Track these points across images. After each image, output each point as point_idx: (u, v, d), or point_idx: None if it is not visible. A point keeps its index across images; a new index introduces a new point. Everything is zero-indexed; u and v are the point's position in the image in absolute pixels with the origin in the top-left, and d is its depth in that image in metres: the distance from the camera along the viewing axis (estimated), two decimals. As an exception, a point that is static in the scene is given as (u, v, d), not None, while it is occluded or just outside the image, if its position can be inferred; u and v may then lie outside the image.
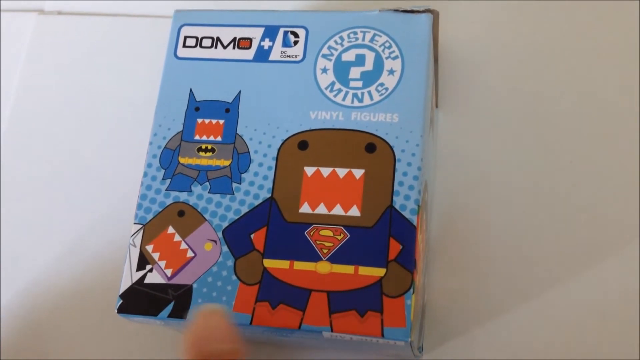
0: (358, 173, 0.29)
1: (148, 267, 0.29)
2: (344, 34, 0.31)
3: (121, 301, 0.29)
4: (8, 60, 0.43)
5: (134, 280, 0.29)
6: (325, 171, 0.29)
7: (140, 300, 0.29)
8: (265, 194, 0.29)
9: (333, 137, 0.30)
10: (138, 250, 0.29)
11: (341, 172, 0.29)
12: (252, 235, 0.29)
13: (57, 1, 0.44)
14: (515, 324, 0.34)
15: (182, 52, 0.32)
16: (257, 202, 0.29)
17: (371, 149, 0.29)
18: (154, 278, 0.29)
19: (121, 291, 0.29)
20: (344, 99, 0.30)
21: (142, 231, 0.30)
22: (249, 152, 0.30)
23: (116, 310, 0.29)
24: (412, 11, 0.31)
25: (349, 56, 0.31)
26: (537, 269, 0.35)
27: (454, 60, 0.39)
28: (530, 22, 0.40)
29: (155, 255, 0.29)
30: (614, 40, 0.39)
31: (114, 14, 0.44)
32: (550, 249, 0.35)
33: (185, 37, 0.33)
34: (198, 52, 0.32)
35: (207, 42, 0.32)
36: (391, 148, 0.29)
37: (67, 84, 0.42)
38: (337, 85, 0.31)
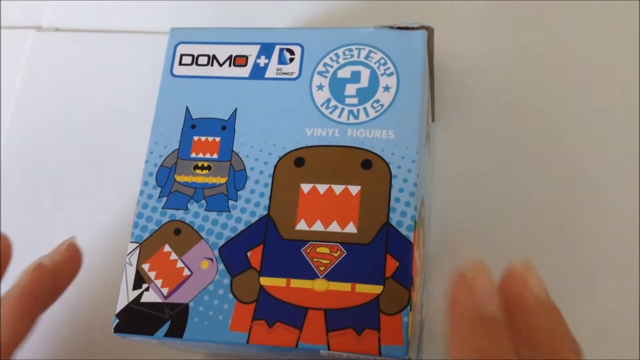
0: (354, 189, 0.29)
1: (144, 285, 0.29)
2: (340, 51, 0.31)
3: (117, 320, 0.29)
4: (6, 76, 0.43)
5: (131, 299, 0.29)
6: (322, 188, 0.29)
7: (136, 320, 0.29)
8: (261, 212, 0.29)
9: (329, 153, 0.30)
10: (134, 269, 0.29)
11: (337, 188, 0.29)
12: (248, 253, 0.29)
13: (55, 17, 0.45)
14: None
15: (178, 70, 0.32)
16: (253, 220, 0.29)
17: (367, 165, 0.29)
18: (150, 297, 0.29)
19: (117, 310, 0.29)
20: (339, 116, 0.30)
21: (138, 250, 0.30)
22: (245, 169, 0.30)
23: (112, 330, 0.29)
24: (407, 28, 0.31)
25: (345, 73, 0.31)
26: None
27: (450, 74, 0.39)
28: (525, 35, 0.40)
29: (152, 274, 0.29)
30: (610, 52, 0.39)
31: (111, 30, 0.44)
32: (549, 263, 0.35)
33: (182, 55, 0.33)
34: (194, 70, 0.32)
35: (203, 60, 0.32)
36: (387, 164, 0.29)
37: (64, 99, 0.42)
38: (333, 102, 0.31)
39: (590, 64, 0.39)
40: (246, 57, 0.32)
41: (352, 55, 0.31)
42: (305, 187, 0.29)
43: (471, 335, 0.23)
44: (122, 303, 0.29)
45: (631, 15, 0.39)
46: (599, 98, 0.38)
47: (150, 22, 0.43)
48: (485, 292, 0.23)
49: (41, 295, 0.30)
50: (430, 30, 0.31)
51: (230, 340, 0.28)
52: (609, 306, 0.34)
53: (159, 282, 0.29)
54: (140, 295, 0.29)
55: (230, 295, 0.28)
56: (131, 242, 0.30)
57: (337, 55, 0.31)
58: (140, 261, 0.29)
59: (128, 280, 0.29)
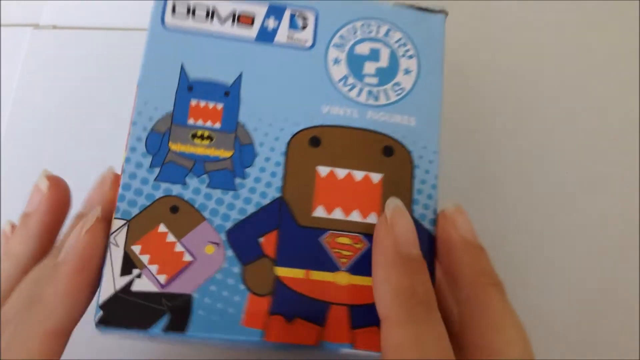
0: (376, 177, 0.27)
1: (135, 271, 0.25)
2: (357, 24, 0.29)
3: (101, 312, 0.24)
4: (4, 73, 0.42)
5: (118, 288, 0.24)
6: (341, 172, 0.27)
7: (126, 311, 0.24)
8: (274, 193, 0.26)
9: (348, 135, 0.27)
10: (122, 251, 0.25)
11: (358, 174, 0.27)
12: (260, 239, 0.26)
13: (53, 15, 0.45)
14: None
15: (170, 20, 0.28)
16: (265, 202, 0.26)
17: (389, 152, 0.27)
18: (143, 285, 0.24)
19: (101, 301, 0.24)
20: (358, 95, 0.28)
21: (126, 227, 0.25)
22: (253, 144, 0.27)
23: (95, 323, 0.24)
24: (427, 10, 0.30)
25: (363, 49, 0.29)
26: (533, 289, 0.35)
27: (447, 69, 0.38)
28: (525, 28, 0.40)
29: (144, 258, 0.25)
30: (609, 50, 0.40)
31: (108, 27, 0.44)
32: (548, 267, 0.35)
33: (175, 3, 0.28)
34: (190, 23, 0.28)
35: (200, 12, 0.28)
36: (409, 153, 0.27)
37: (62, 97, 0.41)
38: (351, 80, 0.28)
39: (590, 63, 0.40)
40: (252, 17, 0.28)
41: (371, 31, 0.29)
42: (323, 170, 0.27)
43: (390, 271, 0.24)
44: (106, 292, 0.24)
45: (631, 15, 0.41)
46: (600, 96, 0.39)
47: (148, 19, 0.38)
48: (404, 235, 0.25)
49: None
50: (446, 16, 0.30)
51: (243, 337, 0.24)
52: (608, 306, 0.35)
53: (154, 268, 0.25)
54: (131, 282, 0.24)
55: (242, 286, 0.25)
56: (116, 218, 0.25)
57: (354, 28, 0.29)
58: (129, 241, 0.25)
59: (114, 264, 0.24)
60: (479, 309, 0.25)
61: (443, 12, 0.30)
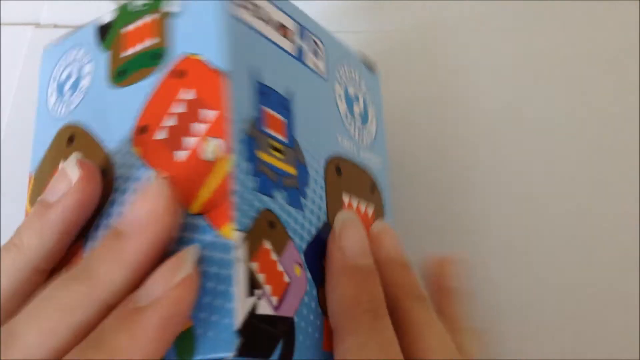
0: (370, 210, 0.30)
1: (257, 292, 0.22)
2: (345, 67, 0.31)
3: (241, 339, 0.20)
4: (5, 72, 0.43)
5: (247, 311, 0.21)
6: (354, 202, 0.29)
7: (256, 338, 0.21)
8: (324, 217, 0.26)
9: (355, 169, 0.29)
10: (246, 269, 0.21)
11: (362, 206, 0.29)
12: (323, 262, 0.26)
13: (53, 14, 0.46)
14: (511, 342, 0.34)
15: (237, 11, 0.25)
16: (319, 225, 0.26)
17: (373, 189, 0.31)
18: (263, 308, 0.22)
19: (238, 325, 0.20)
20: (354, 133, 0.30)
21: (247, 242, 0.22)
22: (306, 164, 0.26)
23: (233, 354, 0.20)
24: (370, 66, 0.34)
25: (351, 91, 0.31)
26: (533, 289, 0.35)
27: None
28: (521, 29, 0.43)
29: (261, 278, 0.22)
30: (608, 50, 0.42)
31: None
32: (540, 273, 0.36)
33: None
34: (255, 22, 0.25)
35: (261, 12, 0.26)
36: (380, 192, 0.31)
37: None
38: (349, 117, 0.30)
39: (589, 63, 0.41)
40: (291, 32, 0.27)
41: (352, 78, 0.31)
42: (345, 198, 0.28)
43: (337, 281, 0.25)
44: (241, 314, 0.21)
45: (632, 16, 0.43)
46: (597, 99, 0.40)
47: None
48: (352, 246, 0.26)
49: None
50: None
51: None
52: (608, 306, 0.35)
53: (268, 289, 0.22)
54: (255, 305, 0.21)
55: (319, 309, 0.25)
56: (237, 230, 0.21)
57: (344, 69, 0.31)
58: (250, 258, 0.22)
59: (240, 283, 0.21)
60: (403, 322, 0.25)
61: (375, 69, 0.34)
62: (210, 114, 0.23)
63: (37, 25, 0.45)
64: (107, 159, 0.25)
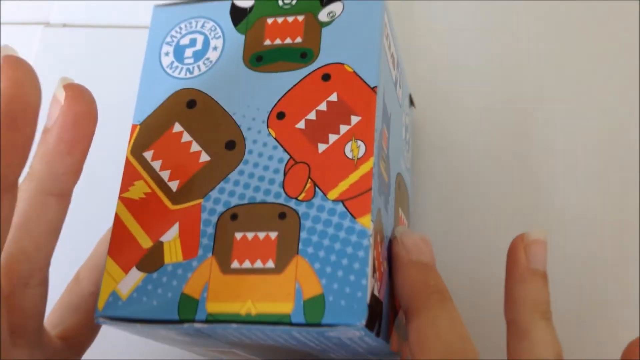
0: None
1: (376, 275, 0.26)
2: (406, 99, 0.36)
3: (368, 313, 0.24)
4: None
5: (371, 289, 0.25)
6: (403, 217, 0.34)
7: (372, 314, 0.25)
8: (393, 225, 0.31)
9: (405, 188, 0.34)
10: (373, 254, 0.25)
11: (405, 222, 0.34)
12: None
13: (63, 13, 0.47)
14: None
15: (385, 33, 0.29)
16: (390, 231, 0.31)
17: (408, 209, 0.36)
18: (376, 290, 0.26)
19: (368, 300, 0.24)
20: (406, 156, 0.35)
21: (375, 233, 0.26)
22: (390, 177, 0.31)
23: (363, 323, 0.24)
24: (412, 101, 0.39)
25: (406, 120, 0.36)
26: None
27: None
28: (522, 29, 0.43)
29: (375, 264, 0.26)
30: (608, 49, 0.42)
31: (119, 25, 0.46)
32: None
33: None
34: (387, 47, 0.30)
35: (389, 40, 0.30)
36: (409, 214, 0.36)
37: None
38: (406, 144, 0.35)
39: (589, 63, 0.42)
40: (396, 61, 0.32)
41: (407, 109, 0.36)
42: (399, 212, 0.33)
43: (405, 273, 0.28)
44: (369, 291, 0.25)
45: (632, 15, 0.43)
46: (597, 99, 0.41)
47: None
48: (413, 246, 0.28)
49: None
50: None
51: None
52: (608, 306, 0.36)
53: (377, 275, 0.26)
54: (374, 286, 0.25)
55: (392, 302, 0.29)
56: (372, 220, 0.25)
57: (405, 101, 0.36)
58: (374, 246, 0.26)
59: (370, 265, 0.25)
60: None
61: None
62: (355, 119, 0.27)
63: (47, 24, 0.46)
64: (238, 131, 0.28)
